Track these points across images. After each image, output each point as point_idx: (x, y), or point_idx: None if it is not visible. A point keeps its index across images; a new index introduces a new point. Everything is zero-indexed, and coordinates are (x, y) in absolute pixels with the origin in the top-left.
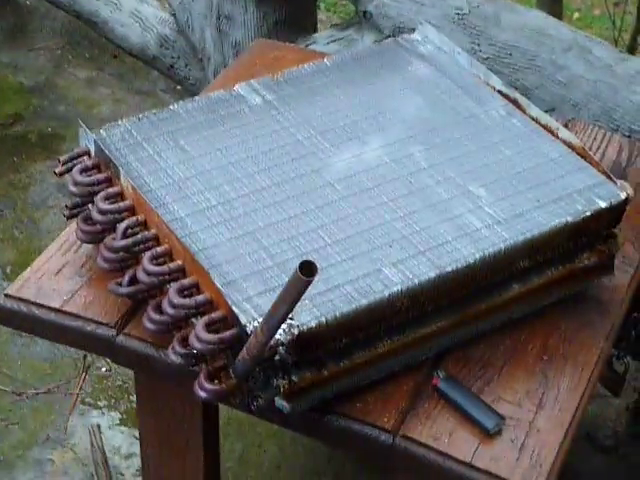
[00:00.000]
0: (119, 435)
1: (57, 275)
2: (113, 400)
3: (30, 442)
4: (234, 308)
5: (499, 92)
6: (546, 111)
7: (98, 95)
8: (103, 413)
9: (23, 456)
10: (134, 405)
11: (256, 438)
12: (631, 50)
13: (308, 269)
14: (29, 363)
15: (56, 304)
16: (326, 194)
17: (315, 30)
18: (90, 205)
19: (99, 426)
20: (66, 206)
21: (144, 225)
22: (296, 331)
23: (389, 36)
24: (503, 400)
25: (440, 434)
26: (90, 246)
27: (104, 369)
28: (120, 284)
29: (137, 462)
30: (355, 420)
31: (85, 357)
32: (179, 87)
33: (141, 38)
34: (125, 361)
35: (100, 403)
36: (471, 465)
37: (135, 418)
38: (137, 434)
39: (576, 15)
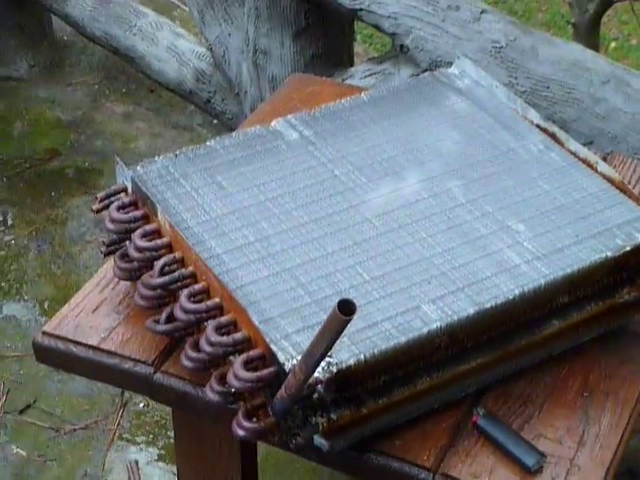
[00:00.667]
0: (157, 471)
1: (94, 312)
2: (151, 436)
3: (68, 478)
4: (272, 346)
5: (537, 126)
6: (584, 144)
7: (135, 130)
8: (141, 449)
9: None
10: (172, 441)
11: (294, 475)
12: None
13: (347, 307)
14: (67, 399)
15: (94, 342)
16: (364, 230)
17: (352, 64)
18: (127, 242)
19: (137, 462)
20: (103, 243)
21: (182, 262)
22: (335, 369)
23: (426, 70)
24: (544, 437)
25: (480, 472)
26: (127, 283)
27: (142, 405)
28: (157, 322)
29: None
30: (394, 458)
31: (123, 393)
32: (216, 121)
33: (178, 73)
34: (163, 399)
35: (138, 439)
36: None
37: (173, 454)
38: (175, 470)
39: (613, 45)
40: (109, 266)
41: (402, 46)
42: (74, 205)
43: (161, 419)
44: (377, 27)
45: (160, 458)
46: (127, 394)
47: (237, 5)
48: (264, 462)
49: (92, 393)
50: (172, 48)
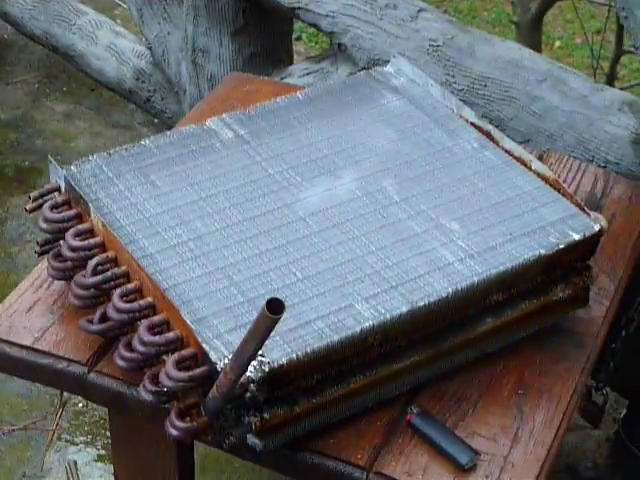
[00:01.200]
0: (96, 471)
1: (28, 312)
2: (90, 436)
3: (6, 479)
4: (204, 345)
5: (472, 124)
6: (521, 142)
7: (75, 129)
8: (80, 449)
9: None
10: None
11: (233, 473)
12: (610, 78)
13: (276, 307)
14: (5, 399)
15: (27, 342)
16: (298, 229)
17: (291, 62)
18: (61, 242)
19: (76, 462)
20: (37, 242)
21: (115, 262)
22: (267, 368)
23: (364, 68)
24: (478, 435)
25: (414, 470)
26: (62, 283)
27: (81, 405)
28: (91, 321)
29: None
30: (328, 457)
31: (62, 393)
32: (157, 120)
33: (117, 72)
34: (98, 399)
35: (77, 439)
36: None
37: None
38: None
39: (557, 44)
40: (44, 266)
41: (340, 45)
42: (13, 204)
43: (100, 419)
44: (315, 26)
45: (99, 458)
46: (66, 394)
47: (176, 4)
48: (204, 460)
49: (31, 393)
50: (111, 47)
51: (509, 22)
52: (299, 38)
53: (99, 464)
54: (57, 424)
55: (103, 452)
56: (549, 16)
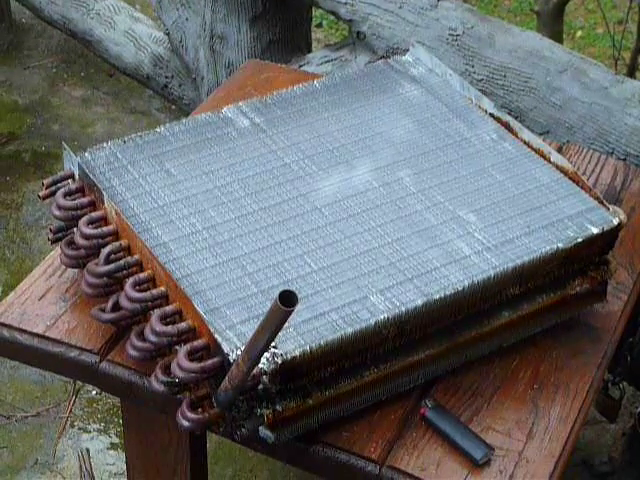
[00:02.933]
0: (109, 459)
1: (41, 300)
2: (103, 424)
3: (18, 466)
4: (217, 336)
5: (491, 115)
6: (540, 134)
7: (93, 114)
8: (93, 437)
9: None
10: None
11: (247, 463)
12: (632, 69)
13: (289, 298)
14: (18, 386)
15: (39, 330)
16: (313, 219)
17: (309, 50)
18: (74, 229)
19: (88, 450)
20: (50, 230)
21: (128, 250)
22: (280, 360)
23: (383, 57)
24: (492, 430)
25: (427, 465)
26: (75, 271)
27: (94, 392)
28: (103, 310)
29: None
30: (341, 450)
31: (75, 380)
32: (174, 107)
33: (135, 57)
34: (109, 388)
35: (90, 427)
36: None
37: None
38: None
39: (579, 33)
40: (57, 253)
41: (359, 33)
42: (30, 190)
43: (113, 407)
44: (334, 13)
45: (112, 446)
46: (79, 382)
47: None
48: (217, 450)
49: (44, 380)
50: (130, 32)
51: (530, 11)
52: (320, 25)
53: (112, 452)
54: (70, 411)
55: (116, 440)
56: (571, 6)
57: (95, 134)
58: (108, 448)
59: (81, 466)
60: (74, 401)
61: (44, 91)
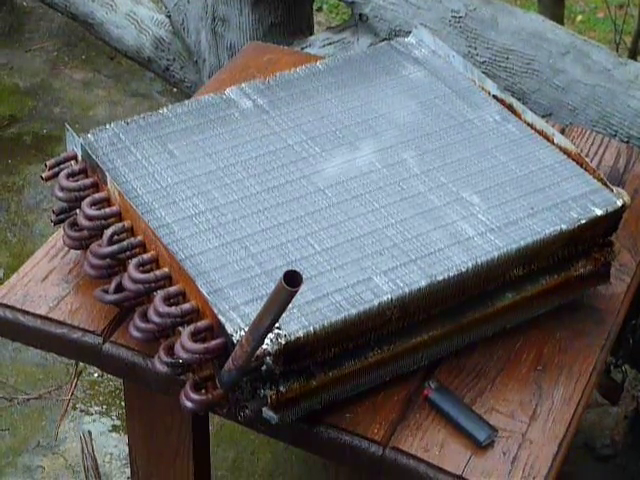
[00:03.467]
0: (111, 442)
1: (44, 281)
2: (105, 406)
3: (20, 448)
4: (220, 317)
5: (494, 97)
6: (543, 116)
7: (94, 97)
8: (94, 419)
9: (13, 462)
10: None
11: (249, 445)
12: (633, 53)
13: (293, 279)
14: (20, 368)
15: (42, 311)
16: (316, 200)
17: (311, 33)
18: (77, 210)
19: (90, 432)
20: (53, 211)
21: (131, 231)
22: (283, 341)
23: (385, 39)
24: (496, 411)
25: (431, 446)
26: (77, 252)
27: (96, 374)
28: (106, 291)
29: (128, 469)
30: (344, 431)
31: (77, 363)
32: (175, 89)
33: (136, 40)
34: (112, 369)
35: (92, 409)
36: (462, 478)
37: None
38: None
39: (579, 18)
40: (59, 235)
41: (361, 15)
42: (31, 172)
43: (115, 389)
44: None
45: (114, 429)
46: (81, 364)
47: None
48: (219, 432)
49: (46, 362)
50: (131, 15)
51: None
52: (320, 9)
53: (114, 434)
54: (72, 394)
55: (118, 422)
56: None
57: (96, 117)
58: (110, 430)
59: (83, 448)
60: (76, 383)
61: (45, 74)
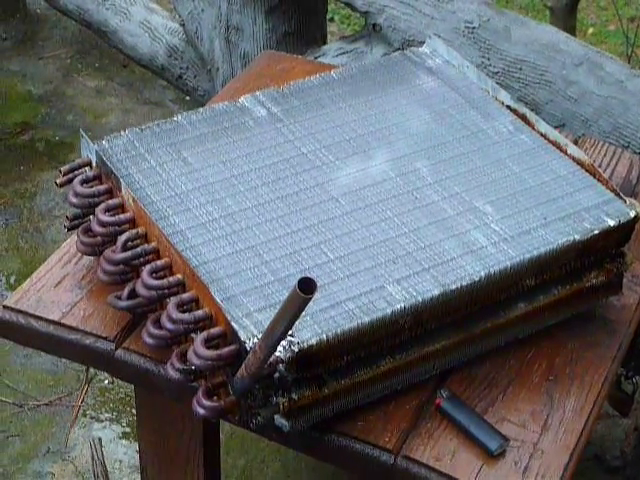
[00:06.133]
0: (121, 448)
1: (57, 287)
2: (115, 413)
3: (30, 454)
4: (233, 324)
5: (507, 107)
6: (556, 127)
7: (107, 104)
8: (105, 426)
9: (23, 468)
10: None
11: (259, 454)
12: None
13: (307, 286)
14: (31, 374)
15: (55, 317)
16: (330, 209)
17: (325, 42)
18: (91, 217)
19: (100, 439)
20: (67, 217)
21: (145, 238)
22: (296, 348)
23: (398, 49)
24: (507, 421)
25: (442, 455)
26: (91, 258)
27: (106, 381)
28: (119, 297)
29: (138, 476)
30: (356, 439)
31: (87, 369)
32: (188, 98)
33: (150, 48)
34: (124, 375)
35: (102, 416)
36: None
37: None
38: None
39: (591, 30)
40: (73, 241)
41: (375, 25)
42: (43, 179)
43: (126, 396)
44: (350, 5)
45: (124, 436)
46: (92, 370)
47: None
48: (229, 440)
49: (57, 369)
50: (145, 23)
51: (543, 7)
52: (332, 19)
53: (124, 441)
54: (82, 400)
55: (128, 429)
56: (582, 3)
57: (109, 124)
58: (120, 437)
59: (93, 455)
60: (86, 390)
61: (58, 81)
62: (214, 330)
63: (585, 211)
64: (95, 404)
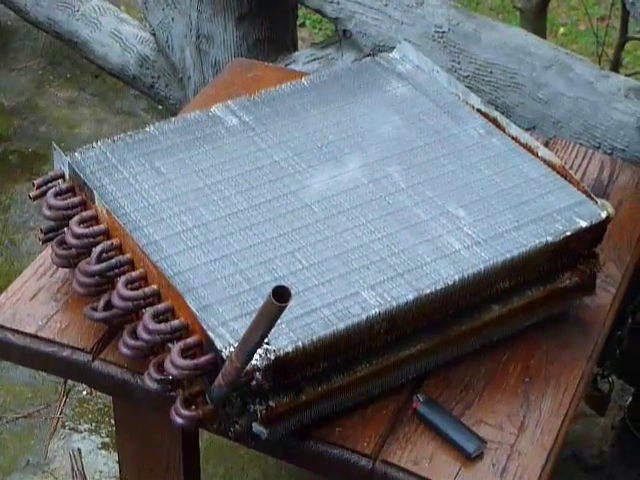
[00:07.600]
0: (100, 459)
1: (32, 300)
2: (94, 424)
3: (10, 467)
4: (209, 333)
5: (478, 111)
6: (527, 129)
7: (79, 115)
8: (84, 437)
9: None
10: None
11: (238, 461)
12: (615, 65)
13: (282, 294)
14: (9, 387)
15: (31, 329)
16: (303, 216)
17: (296, 48)
18: (65, 229)
19: (80, 450)
20: (41, 230)
21: (119, 249)
22: (272, 356)
23: (369, 55)
24: (484, 423)
25: (420, 459)
26: (66, 270)
27: (85, 392)
28: (95, 309)
29: None
30: (334, 445)
31: (66, 381)
32: (160, 107)
33: (121, 58)
34: (102, 387)
35: (81, 427)
36: None
37: None
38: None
39: (562, 30)
40: (48, 253)
41: (345, 31)
42: (17, 191)
43: (104, 406)
44: (319, 12)
45: (103, 446)
46: (70, 382)
47: None
48: (208, 449)
49: (35, 381)
50: (115, 33)
51: (513, 8)
52: (303, 24)
53: (103, 452)
54: (61, 412)
55: (107, 440)
56: (553, 2)
57: (82, 135)
58: (99, 448)
59: (73, 466)
60: (65, 401)
61: (30, 93)
62: (190, 339)
63: (557, 213)
64: (74, 415)
